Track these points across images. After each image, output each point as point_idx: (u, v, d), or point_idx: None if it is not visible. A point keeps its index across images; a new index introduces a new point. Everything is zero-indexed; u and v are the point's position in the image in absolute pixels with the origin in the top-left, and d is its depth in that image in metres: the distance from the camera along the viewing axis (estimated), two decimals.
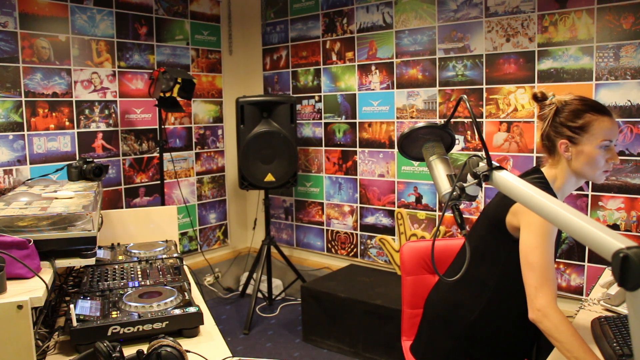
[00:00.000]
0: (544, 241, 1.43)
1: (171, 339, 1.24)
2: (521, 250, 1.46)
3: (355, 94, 3.61)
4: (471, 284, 1.63)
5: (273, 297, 3.95)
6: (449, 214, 3.14)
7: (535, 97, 1.61)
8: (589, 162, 1.53)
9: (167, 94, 3.24)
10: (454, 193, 1.18)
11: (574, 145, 1.52)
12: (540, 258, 1.41)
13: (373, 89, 3.51)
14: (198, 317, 1.49)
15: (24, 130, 2.99)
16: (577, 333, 1.33)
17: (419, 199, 3.38)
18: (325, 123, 3.79)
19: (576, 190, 2.77)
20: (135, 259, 2.00)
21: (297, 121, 3.82)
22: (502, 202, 1.57)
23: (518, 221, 1.51)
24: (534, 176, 1.60)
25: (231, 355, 1.37)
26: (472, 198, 1.19)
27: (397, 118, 3.42)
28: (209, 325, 1.56)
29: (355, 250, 3.74)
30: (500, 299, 1.59)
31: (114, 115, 3.41)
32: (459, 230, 1.17)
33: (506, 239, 1.55)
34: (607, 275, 1.98)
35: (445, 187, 1.22)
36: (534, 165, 2.70)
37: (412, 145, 1.34)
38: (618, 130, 1.57)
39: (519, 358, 1.69)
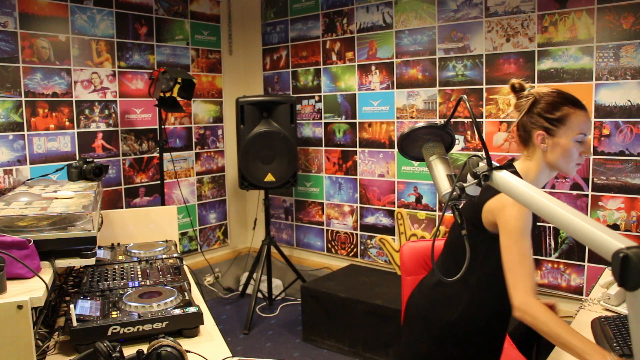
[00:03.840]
0: (518, 239, 1.45)
1: (171, 339, 1.24)
2: (501, 251, 1.48)
3: (355, 94, 3.61)
4: (453, 283, 1.63)
5: (273, 297, 3.95)
6: (449, 214, 3.14)
7: (513, 88, 1.61)
8: (564, 154, 1.54)
9: (167, 94, 3.24)
10: (454, 193, 1.18)
11: (551, 137, 1.53)
12: (515, 256, 1.44)
13: (373, 89, 3.51)
14: (198, 317, 1.49)
15: (24, 130, 2.99)
16: (559, 320, 1.33)
17: (419, 199, 3.38)
18: (325, 123, 3.79)
19: (576, 190, 2.77)
20: (135, 259, 2.00)
21: (297, 121, 3.82)
22: (478, 200, 1.58)
23: (494, 217, 1.52)
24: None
25: (231, 355, 1.37)
26: (472, 198, 1.19)
27: (397, 118, 3.42)
28: (209, 325, 1.56)
29: (355, 250, 3.74)
30: (481, 296, 1.59)
31: (114, 115, 3.41)
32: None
33: (483, 235, 1.56)
34: (607, 275, 1.98)
35: (445, 187, 1.22)
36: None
37: (412, 145, 1.34)
38: (592, 125, 1.58)
39: (496, 355, 1.70)
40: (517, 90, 1.60)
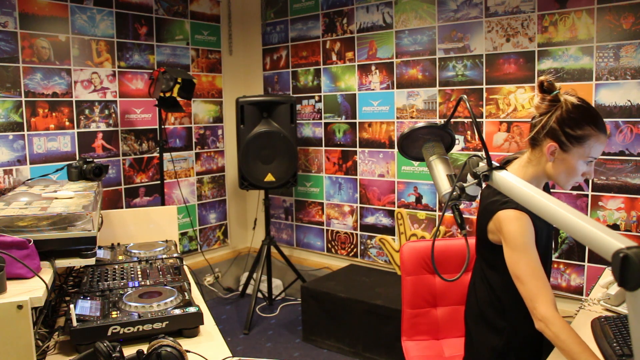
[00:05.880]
0: (523, 251, 1.42)
1: (171, 339, 1.24)
2: (508, 267, 1.46)
3: (355, 94, 3.61)
4: (489, 292, 1.65)
5: (273, 297, 3.95)
6: (449, 214, 3.14)
7: (541, 86, 1.49)
8: (568, 171, 1.49)
9: (167, 94, 3.24)
10: (454, 193, 1.18)
11: (562, 152, 1.47)
12: (525, 269, 1.41)
13: (373, 89, 3.51)
14: (198, 317, 1.49)
15: (24, 130, 2.99)
16: (578, 339, 1.30)
17: (419, 199, 3.38)
18: (325, 123, 3.79)
19: (576, 190, 2.77)
20: (135, 259, 2.00)
21: (297, 121, 3.82)
22: (480, 223, 1.59)
23: (499, 238, 1.53)
24: None
25: (231, 355, 1.37)
26: (472, 198, 1.19)
27: (397, 118, 3.42)
28: (209, 325, 1.56)
29: (355, 250, 3.74)
30: (513, 306, 1.58)
31: (114, 115, 3.41)
32: (459, 230, 1.17)
33: (498, 250, 1.55)
34: (607, 275, 1.98)
35: (445, 187, 1.22)
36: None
37: (412, 145, 1.34)
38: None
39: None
40: (544, 91, 1.50)
